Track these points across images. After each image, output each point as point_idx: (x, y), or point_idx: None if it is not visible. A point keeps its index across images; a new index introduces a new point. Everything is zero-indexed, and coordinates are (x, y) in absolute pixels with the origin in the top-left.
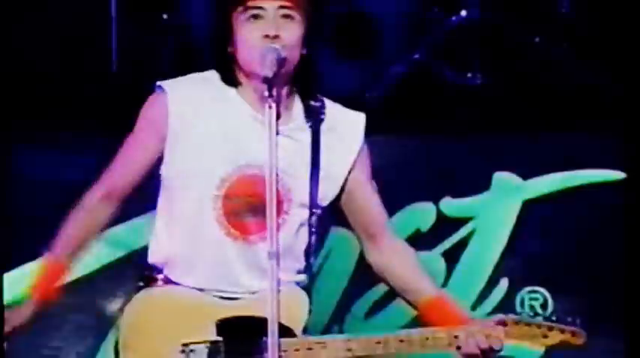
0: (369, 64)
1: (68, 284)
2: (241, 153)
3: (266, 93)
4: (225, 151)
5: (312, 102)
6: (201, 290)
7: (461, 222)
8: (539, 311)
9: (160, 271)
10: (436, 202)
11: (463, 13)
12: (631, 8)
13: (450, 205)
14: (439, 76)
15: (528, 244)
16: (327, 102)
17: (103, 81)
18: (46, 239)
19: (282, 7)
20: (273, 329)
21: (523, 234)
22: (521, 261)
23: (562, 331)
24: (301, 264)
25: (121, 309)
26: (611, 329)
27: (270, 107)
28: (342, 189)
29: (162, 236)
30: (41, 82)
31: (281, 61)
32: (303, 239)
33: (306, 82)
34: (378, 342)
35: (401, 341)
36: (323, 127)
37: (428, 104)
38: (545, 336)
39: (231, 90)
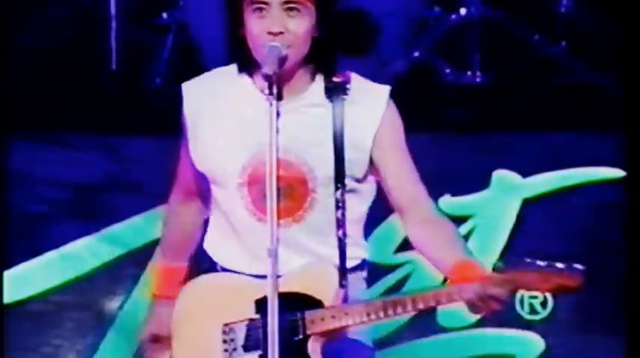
0: (368, 61)
1: (67, 283)
2: (259, 140)
3: (266, 91)
4: (242, 139)
5: (335, 79)
6: (244, 274)
7: (460, 220)
8: (539, 309)
9: (211, 259)
10: (435, 200)
11: (462, 11)
12: (631, 7)
13: (450, 203)
14: (438, 74)
15: (528, 242)
16: (354, 78)
17: (102, 79)
18: (45, 237)
19: (286, 1)
20: (273, 324)
21: (522, 233)
22: (520, 258)
23: (559, 275)
24: (332, 239)
25: (121, 307)
26: (612, 328)
27: (270, 104)
28: (371, 163)
29: (212, 226)
30: (40, 81)
31: (282, 60)
32: (334, 215)
33: (321, 61)
34: (394, 303)
35: (414, 300)
36: (345, 101)
37: (427, 102)
38: (545, 281)
39: (246, 79)
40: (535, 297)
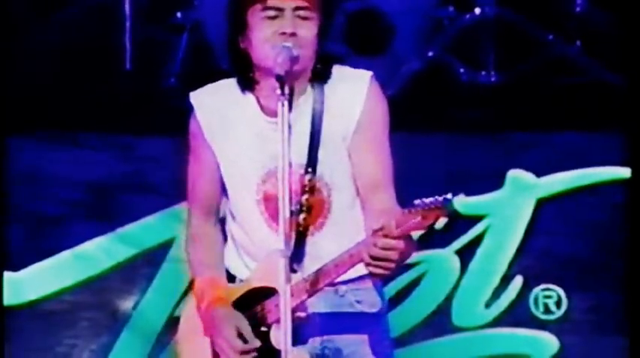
0: (383, 61)
1: (81, 283)
2: (269, 157)
3: (278, 91)
4: (255, 156)
5: (319, 82)
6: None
7: (475, 219)
8: (554, 308)
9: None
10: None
11: (477, 11)
12: None
13: (464, 203)
14: (453, 74)
15: (542, 242)
16: (334, 70)
17: (116, 79)
18: (59, 237)
19: (298, 7)
20: (286, 326)
21: (537, 232)
22: (535, 258)
23: (436, 209)
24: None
25: (135, 307)
26: (626, 328)
27: (282, 105)
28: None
29: (231, 242)
30: (55, 80)
31: (294, 60)
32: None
33: (322, 79)
34: (323, 272)
35: (336, 265)
36: (327, 96)
37: (441, 102)
38: (424, 218)
39: (250, 97)
40: (550, 296)
